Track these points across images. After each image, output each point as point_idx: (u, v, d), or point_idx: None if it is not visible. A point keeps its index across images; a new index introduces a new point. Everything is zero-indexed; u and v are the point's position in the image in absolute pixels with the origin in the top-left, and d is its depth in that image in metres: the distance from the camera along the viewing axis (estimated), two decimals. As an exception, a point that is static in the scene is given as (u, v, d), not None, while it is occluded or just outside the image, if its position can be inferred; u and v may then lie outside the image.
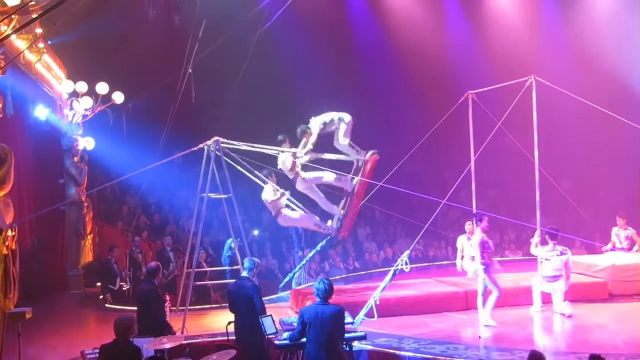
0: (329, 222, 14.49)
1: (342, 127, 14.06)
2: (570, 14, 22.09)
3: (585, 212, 17.48)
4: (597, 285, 14.56)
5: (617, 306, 13.84)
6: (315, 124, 14.04)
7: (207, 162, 13.31)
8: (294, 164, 13.89)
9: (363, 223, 20.20)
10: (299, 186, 14.18)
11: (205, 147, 13.33)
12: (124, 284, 16.04)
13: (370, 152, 14.33)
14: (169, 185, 19.74)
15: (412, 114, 21.02)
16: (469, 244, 14.87)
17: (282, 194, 13.92)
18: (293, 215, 14.17)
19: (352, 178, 14.19)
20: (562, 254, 13.30)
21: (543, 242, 13.64)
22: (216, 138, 13.37)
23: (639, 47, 18.49)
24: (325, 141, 14.24)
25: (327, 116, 14.14)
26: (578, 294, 13.97)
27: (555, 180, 15.28)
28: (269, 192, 13.87)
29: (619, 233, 15.97)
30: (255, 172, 14.01)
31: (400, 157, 14.84)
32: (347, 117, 14.12)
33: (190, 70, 19.26)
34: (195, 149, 13.50)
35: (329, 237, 15.05)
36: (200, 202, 13.38)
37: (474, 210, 14.98)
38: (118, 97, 16.69)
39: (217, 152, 13.31)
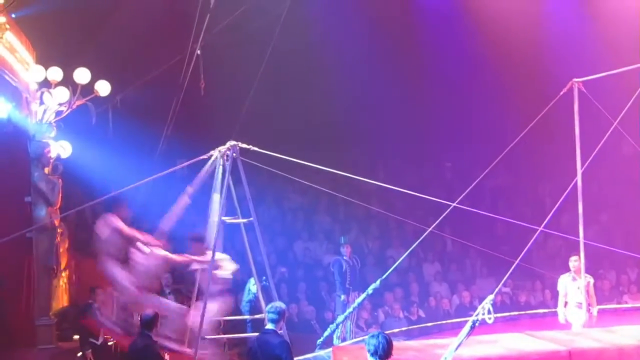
0: None
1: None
2: None
3: None
4: None
5: None
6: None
7: (223, 176, 13.33)
8: None
9: (431, 257, 20.16)
10: None
11: (219, 155, 13.32)
12: (109, 337, 16.09)
13: None
14: (170, 205, 19.80)
15: (497, 113, 20.88)
16: (576, 286, 14.74)
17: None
18: None
19: None
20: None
21: None
22: (233, 142, 13.31)
23: None
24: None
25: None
26: None
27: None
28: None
29: None
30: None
31: (482, 170, 14.79)
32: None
33: (199, 52, 19.30)
34: (205, 156, 13.40)
35: (383, 277, 15.04)
36: (211, 228, 13.40)
37: (582, 242, 14.86)
38: (103, 88, 16.62)
39: (233, 160, 13.31)
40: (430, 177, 20.17)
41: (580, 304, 14.93)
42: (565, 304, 15.25)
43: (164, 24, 20.04)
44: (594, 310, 15.54)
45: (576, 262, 15.00)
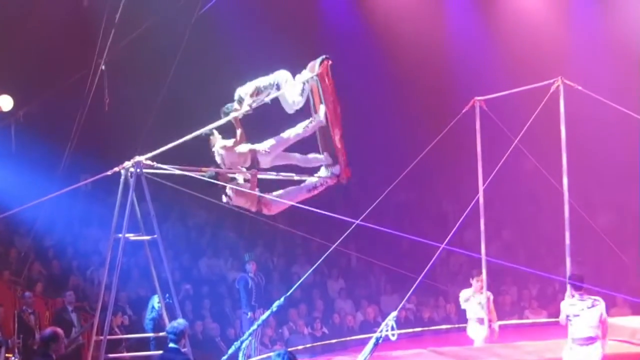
0: (322, 173, 14.53)
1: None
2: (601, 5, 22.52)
3: (630, 258, 17.62)
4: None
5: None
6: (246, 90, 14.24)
7: (124, 191, 13.21)
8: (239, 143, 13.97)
9: (335, 274, 20.23)
10: (266, 163, 14.18)
11: (123, 171, 13.17)
12: (10, 356, 15.82)
13: (319, 59, 14.47)
14: (73, 222, 19.53)
15: (401, 129, 21.07)
16: (476, 302, 15.00)
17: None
18: (279, 193, 14.14)
19: (316, 112, 14.47)
20: (593, 305, 13.40)
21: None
22: (138, 158, 13.24)
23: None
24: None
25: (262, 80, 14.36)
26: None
27: (590, 217, 15.44)
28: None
29: None
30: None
31: (386, 186, 14.93)
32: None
33: (104, 67, 19.10)
34: (109, 172, 13.28)
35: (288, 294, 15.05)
36: (115, 245, 13.25)
37: (484, 259, 15.10)
38: (5, 102, 16.38)
39: (137, 176, 13.22)
40: (335, 194, 20.16)
41: (482, 319, 15.17)
42: (467, 320, 15.46)
43: (69, 39, 19.81)
44: (495, 325, 15.79)
45: (478, 282, 15.25)
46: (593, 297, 13.39)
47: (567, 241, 13.96)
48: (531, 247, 20.64)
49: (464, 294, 15.61)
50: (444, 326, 18.93)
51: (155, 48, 19.42)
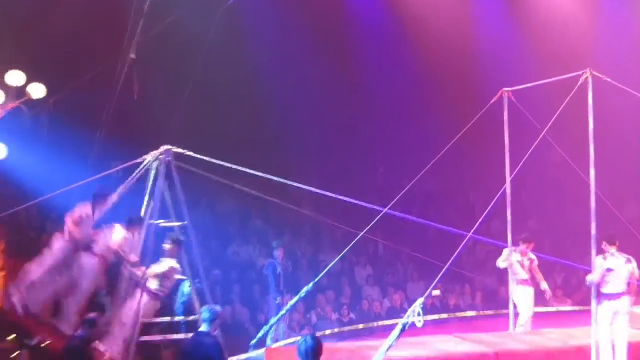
0: None
1: None
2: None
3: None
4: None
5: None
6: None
7: (154, 179, 13.36)
8: None
9: (363, 261, 20.32)
10: None
11: (153, 159, 13.41)
12: (44, 338, 16.02)
13: None
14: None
15: (429, 121, 21.09)
16: (516, 260, 15.73)
17: None
18: None
19: None
20: (628, 262, 13.64)
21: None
22: (167, 147, 13.40)
23: None
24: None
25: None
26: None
27: (617, 207, 15.46)
28: None
29: None
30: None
31: (414, 176, 15.03)
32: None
33: (133, 56, 19.25)
34: (139, 160, 13.49)
35: (316, 280, 15.20)
36: (146, 231, 13.45)
37: (510, 248, 15.26)
38: (37, 91, 16.44)
39: (167, 165, 13.38)
40: (363, 182, 20.30)
41: (523, 280, 15.43)
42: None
43: (100, 27, 19.89)
44: (544, 285, 16.14)
45: (525, 245, 15.73)
46: (626, 255, 13.62)
47: (593, 232, 14.01)
48: (557, 237, 20.63)
49: (505, 252, 15.79)
50: (469, 313, 19.05)
51: (184, 38, 19.49)
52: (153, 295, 13.84)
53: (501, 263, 16.06)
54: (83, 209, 13.85)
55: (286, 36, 20.92)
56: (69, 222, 13.82)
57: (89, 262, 13.78)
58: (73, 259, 13.67)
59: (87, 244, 13.64)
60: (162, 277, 13.88)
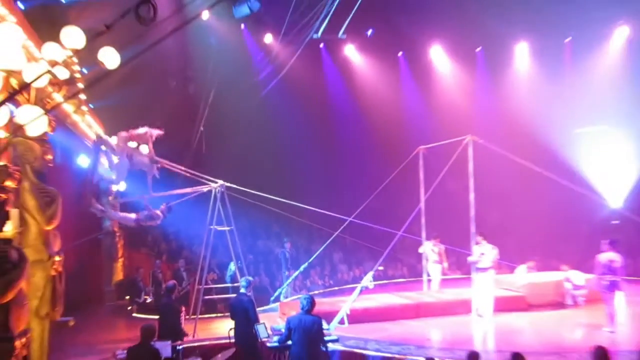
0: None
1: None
2: (499, 81, 22.31)
3: (509, 241, 17.60)
4: (518, 298, 14.72)
5: (534, 314, 14.03)
6: None
7: (214, 201, 13.33)
8: None
9: (337, 249, 20.21)
10: None
11: (213, 189, 13.34)
12: (147, 297, 15.93)
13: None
14: (184, 219, 19.58)
15: (376, 164, 20.83)
16: (429, 248, 15.98)
17: None
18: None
19: None
20: (492, 249, 13.74)
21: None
22: (221, 182, 13.42)
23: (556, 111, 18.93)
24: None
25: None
26: (504, 306, 14.12)
27: (486, 215, 15.47)
28: None
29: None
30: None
31: (366, 198, 15.01)
32: None
33: (202, 129, 19.42)
34: (205, 189, 13.46)
35: (310, 260, 15.13)
36: (208, 232, 13.37)
37: (423, 240, 15.20)
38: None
39: (222, 193, 13.31)
40: (336, 201, 20.12)
41: (436, 260, 15.94)
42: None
43: (182, 111, 19.72)
44: (445, 265, 16.27)
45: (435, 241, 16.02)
46: (491, 244, 13.81)
47: (472, 230, 14.01)
48: (452, 233, 19.95)
49: (425, 243, 16.01)
50: (400, 280, 18.93)
51: (234, 117, 19.54)
52: None
53: (421, 250, 16.03)
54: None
55: (294, 114, 20.91)
56: None
57: None
58: None
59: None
60: None
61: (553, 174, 14.72)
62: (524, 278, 15.34)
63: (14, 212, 7.36)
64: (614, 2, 19.05)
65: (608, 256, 12.01)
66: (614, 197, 19.94)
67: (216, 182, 13.41)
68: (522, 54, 22.34)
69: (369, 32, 21.64)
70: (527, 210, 19.50)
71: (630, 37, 20.50)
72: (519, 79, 22.23)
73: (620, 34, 20.65)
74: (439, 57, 22.85)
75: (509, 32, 21.05)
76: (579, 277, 14.75)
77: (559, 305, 14.66)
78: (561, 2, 18.53)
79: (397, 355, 10.50)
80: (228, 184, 13.44)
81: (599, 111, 20.34)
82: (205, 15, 16.21)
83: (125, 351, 8.74)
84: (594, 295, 13.65)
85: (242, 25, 19.20)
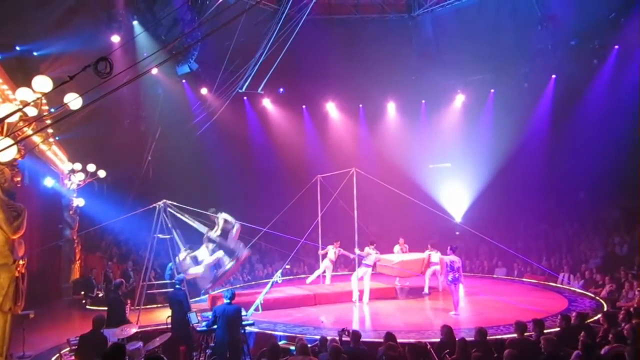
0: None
1: (235, 229, 13.84)
2: (375, 129, 22.88)
3: (384, 246, 17.90)
4: (389, 289, 14.91)
5: (402, 302, 14.19)
6: (221, 217, 13.90)
7: (158, 215, 12.77)
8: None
9: (255, 251, 19.79)
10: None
11: (157, 206, 12.79)
12: (99, 293, 14.92)
13: (246, 250, 14.05)
14: (132, 229, 18.61)
15: (284, 188, 20.48)
16: (333, 252, 15.54)
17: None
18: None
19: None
20: (377, 253, 13.95)
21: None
22: (164, 200, 12.92)
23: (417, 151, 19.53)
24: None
25: (229, 217, 13.99)
26: (379, 294, 14.30)
27: (366, 226, 15.71)
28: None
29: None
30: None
31: (277, 213, 14.84)
32: (237, 225, 13.97)
33: (150, 158, 18.63)
34: (150, 207, 12.90)
35: (233, 261, 14.60)
36: (152, 239, 12.75)
37: (320, 245, 15.16)
38: (101, 173, 15.52)
39: (164, 208, 12.80)
40: (254, 215, 19.71)
41: (332, 260, 15.67)
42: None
43: (133, 144, 18.63)
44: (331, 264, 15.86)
45: (336, 245, 15.55)
46: (375, 250, 13.92)
47: (356, 238, 14.10)
48: (346, 241, 19.92)
49: (329, 247, 15.57)
50: (302, 276, 18.75)
51: (176, 151, 18.88)
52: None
53: (321, 252, 15.90)
54: None
55: (222, 149, 20.49)
56: None
57: None
58: None
59: None
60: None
61: (414, 198, 15.23)
62: (399, 256, 15.52)
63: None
64: (455, 77, 20.86)
65: (451, 258, 12.47)
66: (456, 215, 20.96)
67: (159, 201, 12.83)
68: (391, 110, 23.18)
69: (281, 89, 21.98)
70: (396, 225, 20.03)
71: (464, 102, 21.91)
72: (389, 128, 23.06)
73: (459, 99, 22.02)
74: (332, 110, 23.29)
75: (381, 94, 22.20)
76: (435, 256, 15.00)
77: (421, 292, 14.91)
78: (418, 75, 20.37)
79: (299, 335, 10.36)
80: (169, 202, 12.90)
81: (445, 153, 22.08)
82: (155, 71, 15.69)
83: (78, 338, 8.07)
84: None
85: (184, 80, 18.77)
